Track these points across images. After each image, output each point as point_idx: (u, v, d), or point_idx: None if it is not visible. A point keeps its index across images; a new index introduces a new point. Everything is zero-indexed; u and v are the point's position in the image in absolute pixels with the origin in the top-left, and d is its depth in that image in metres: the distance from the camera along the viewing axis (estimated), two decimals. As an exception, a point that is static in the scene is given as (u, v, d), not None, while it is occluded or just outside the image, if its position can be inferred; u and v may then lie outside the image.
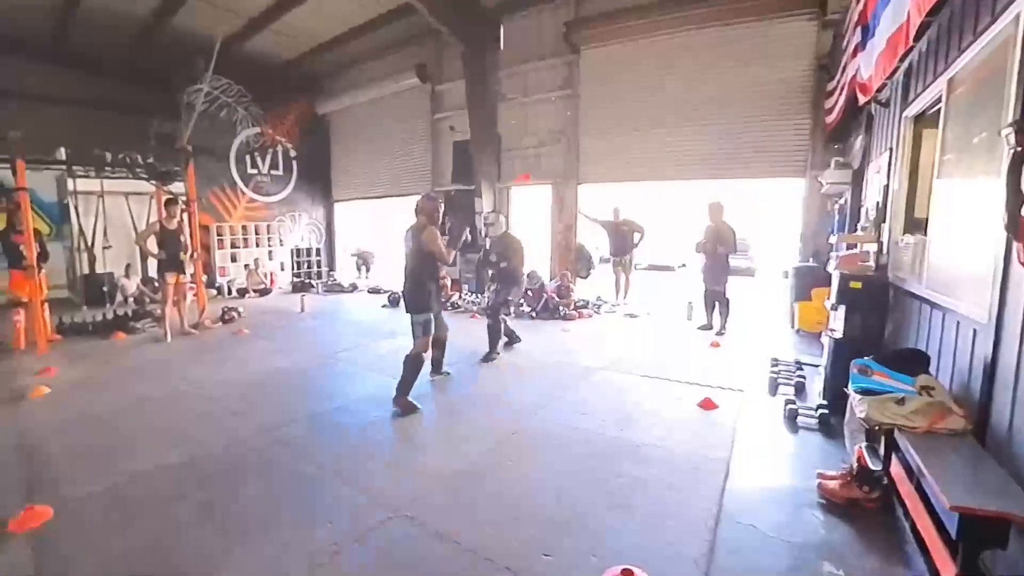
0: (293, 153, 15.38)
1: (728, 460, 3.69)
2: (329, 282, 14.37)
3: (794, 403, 4.46)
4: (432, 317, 5.14)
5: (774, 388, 5.13)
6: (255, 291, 13.13)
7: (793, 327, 7.88)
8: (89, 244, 11.58)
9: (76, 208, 11.36)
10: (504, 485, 3.45)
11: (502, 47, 10.83)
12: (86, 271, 11.54)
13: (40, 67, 12.46)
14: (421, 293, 5.05)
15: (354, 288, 13.50)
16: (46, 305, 7.91)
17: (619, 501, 3.20)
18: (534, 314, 9.21)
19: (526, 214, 11.70)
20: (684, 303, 8.96)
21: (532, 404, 4.95)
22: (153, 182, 9.36)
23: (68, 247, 11.82)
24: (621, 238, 10.14)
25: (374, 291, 12.74)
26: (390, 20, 11.39)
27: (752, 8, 8.36)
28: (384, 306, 10.93)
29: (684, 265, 17.05)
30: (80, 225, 11.51)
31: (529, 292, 9.45)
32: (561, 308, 9.14)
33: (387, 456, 4.01)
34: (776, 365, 5.69)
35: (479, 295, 10.70)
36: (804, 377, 5.31)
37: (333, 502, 3.28)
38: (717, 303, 7.84)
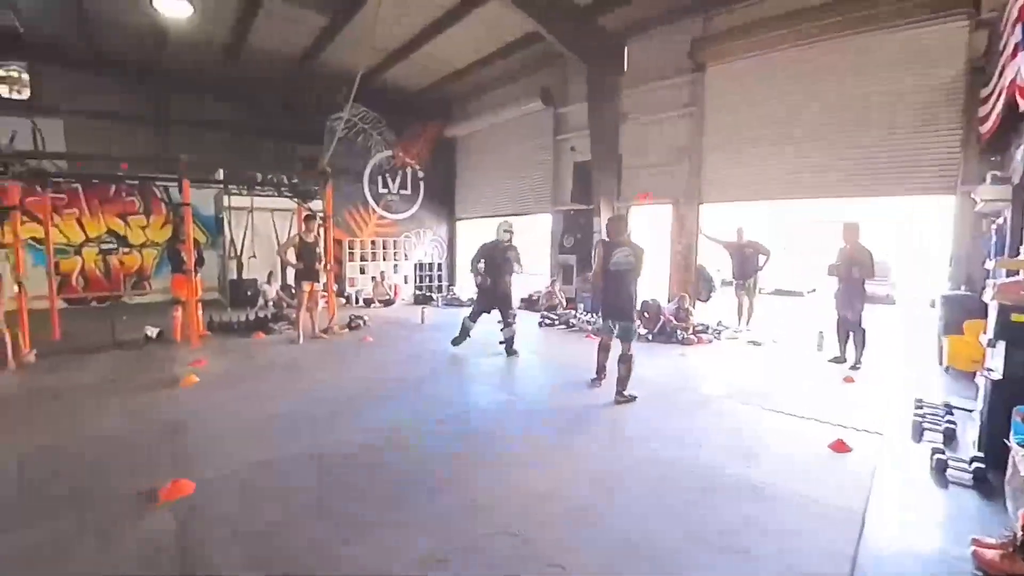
0: (421, 174, 16.31)
1: (863, 512, 3.35)
2: (449, 296, 14.94)
3: (943, 453, 3.98)
4: None
5: (918, 434, 4.64)
6: (380, 302, 13.91)
7: (941, 364, 7.06)
8: (238, 253, 12.92)
9: (229, 222, 12.76)
10: (613, 513, 3.38)
11: (626, 68, 10.81)
12: (234, 277, 12.92)
13: (206, 99, 14.26)
14: (632, 304, 5.81)
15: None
16: (200, 305, 8.95)
17: (736, 544, 3.02)
18: (650, 337, 9.00)
19: (645, 234, 11.50)
20: (814, 332, 8.34)
21: (646, 431, 4.84)
22: (296, 200, 10.22)
23: (220, 255, 13.35)
24: (745, 260, 9.70)
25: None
26: (517, 48, 11.84)
27: (896, 12, 7.75)
28: (499, 321, 11.10)
29: (814, 290, 15.94)
30: (231, 236, 12.84)
31: (645, 314, 9.28)
32: (679, 332, 8.87)
33: (495, 470, 4.04)
34: (921, 407, 5.16)
35: (594, 315, 10.63)
36: (955, 423, 4.73)
37: (441, 509, 3.37)
38: (851, 333, 7.22)
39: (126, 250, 13.43)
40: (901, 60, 7.88)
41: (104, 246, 13.13)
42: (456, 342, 8.08)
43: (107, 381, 6.41)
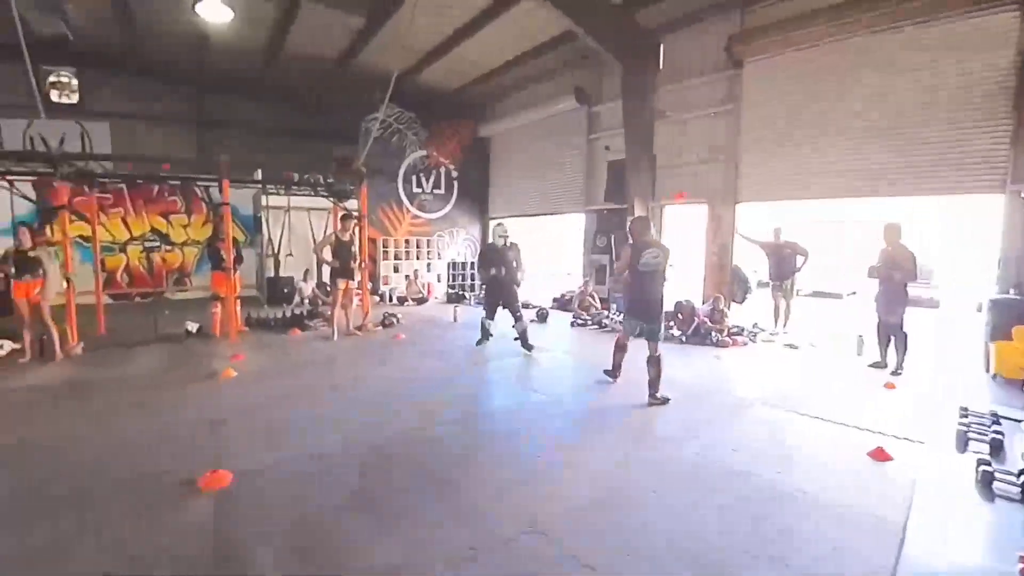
0: (454, 173, 16.39)
1: (904, 524, 3.24)
2: (481, 295, 14.94)
3: (989, 464, 3.81)
4: None
5: (963, 444, 4.48)
6: (413, 300, 14.06)
7: (988, 371, 6.81)
8: (275, 251, 13.18)
9: (267, 220, 13.01)
10: (645, 516, 3.35)
11: (661, 65, 10.69)
12: (271, 274, 13.18)
13: (245, 101, 14.70)
14: (662, 304, 5.87)
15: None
16: (238, 301, 9.23)
17: (773, 552, 2.95)
18: (684, 339, 8.88)
19: (679, 234, 11.39)
20: (853, 336, 8.12)
21: (678, 434, 4.78)
22: (331, 199, 10.38)
23: (258, 253, 13.64)
24: (782, 261, 9.50)
25: (524, 306, 12.99)
26: (551, 47, 11.78)
27: (942, 3, 7.44)
28: (532, 320, 11.14)
29: (854, 293, 15.51)
30: (269, 235, 13.12)
31: (679, 315, 9.17)
32: (713, 334, 8.73)
33: (525, 468, 4.06)
34: (966, 416, 4.98)
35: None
36: (1002, 433, 4.53)
37: (471, 505, 3.42)
38: (892, 337, 7.00)
39: (168, 248, 13.86)
40: (948, 53, 7.56)
41: (148, 244, 13.57)
42: (479, 343, 8.20)
43: (150, 373, 6.66)
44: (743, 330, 9.24)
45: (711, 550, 2.96)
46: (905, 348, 6.93)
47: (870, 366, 7.20)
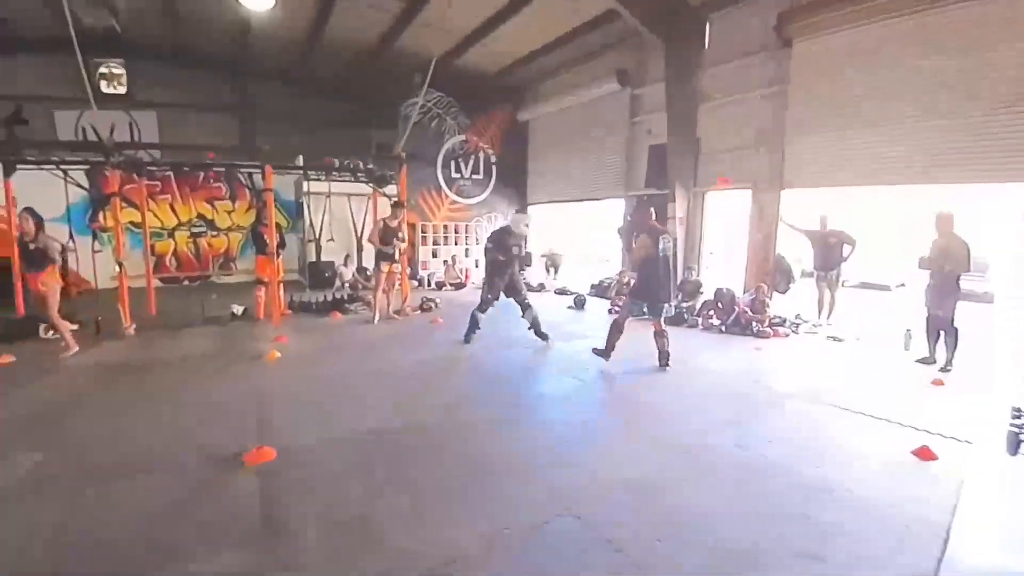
0: (493, 158, 16.35)
1: (948, 526, 3.12)
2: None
3: None
4: None
5: (1014, 446, 4.22)
6: (451, 285, 14.17)
7: (1046, 370, 6.53)
8: (316, 236, 13.41)
9: (308, 206, 13.25)
10: (679, 504, 3.33)
11: (706, 46, 10.40)
12: (313, 259, 13.44)
13: (287, 88, 14.98)
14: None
15: (542, 288, 13.90)
16: (281, 285, 9.48)
17: (809, 548, 2.88)
18: (723, 328, 8.73)
19: (721, 221, 11.16)
20: (901, 330, 7.80)
21: (715, 424, 4.71)
22: (371, 185, 10.51)
23: (300, 238, 13.94)
24: (828, 250, 9.20)
25: (560, 292, 13.04)
26: (592, 28, 11.54)
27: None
28: (570, 307, 11.13)
29: (903, 285, 14.96)
30: (311, 220, 13.37)
31: (719, 304, 9.01)
32: (754, 324, 8.54)
33: (561, 453, 4.10)
34: (1019, 417, 4.68)
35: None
36: (1058, 435, 4.36)
37: (509, 490, 3.47)
38: (942, 332, 6.70)
39: (214, 233, 14.25)
40: (1018, 27, 7.03)
41: (194, 229, 13.98)
42: (468, 338, 7.72)
43: (199, 354, 6.94)
44: (785, 321, 9.02)
45: (746, 542, 2.92)
46: (955, 344, 6.63)
47: (918, 361, 6.94)
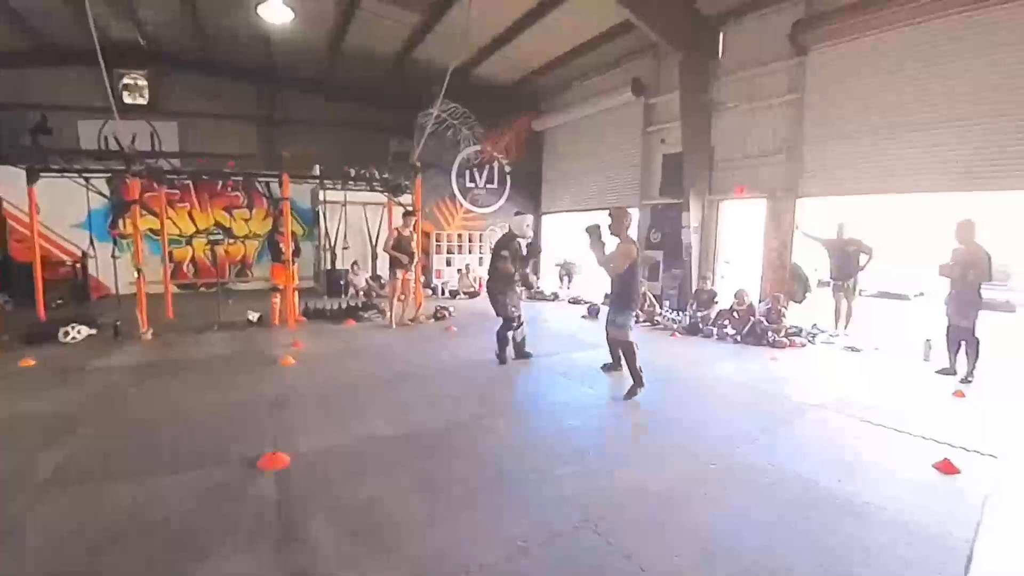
0: (508, 168, 16.39)
1: (971, 543, 3.06)
2: (532, 290, 14.97)
3: None
4: None
5: None
6: (465, 293, 14.19)
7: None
8: (332, 244, 13.49)
9: (324, 214, 13.35)
10: (699, 517, 3.29)
11: (721, 55, 10.39)
12: (328, 267, 13.51)
13: (305, 98, 15.13)
14: None
15: (555, 297, 13.92)
16: (297, 292, 9.57)
17: (837, 565, 2.83)
18: (739, 338, 8.65)
19: (736, 229, 11.08)
20: (921, 340, 7.71)
21: (735, 436, 4.66)
22: (387, 194, 10.59)
23: (316, 246, 14.08)
24: (845, 259, 9.09)
25: (574, 301, 13.04)
26: (607, 39, 11.64)
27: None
28: (584, 316, 11.11)
29: (922, 294, 14.79)
30: (326, 228, 13.47)
31: (735, 313, 8.94)
32: (770, 334, 8.46)
33: (579, 463, 4.06)
34: None
35: (680, 312, 10.37)
36: (1084, 450, 4.27)
37: (527, 498, 3.46)
38: (964, 343, 6.60)
39: (231, 241, 14.37)
40: None
41: (212, 237, 14.11)
42: (501, 359, 7.31)
43: (215, 358, 7.02)
44: (801, 330, 8.93)
45: (766, 558, 2.88)
46: (977, 354, 6.53)
47: (938, 372, 6.84)
